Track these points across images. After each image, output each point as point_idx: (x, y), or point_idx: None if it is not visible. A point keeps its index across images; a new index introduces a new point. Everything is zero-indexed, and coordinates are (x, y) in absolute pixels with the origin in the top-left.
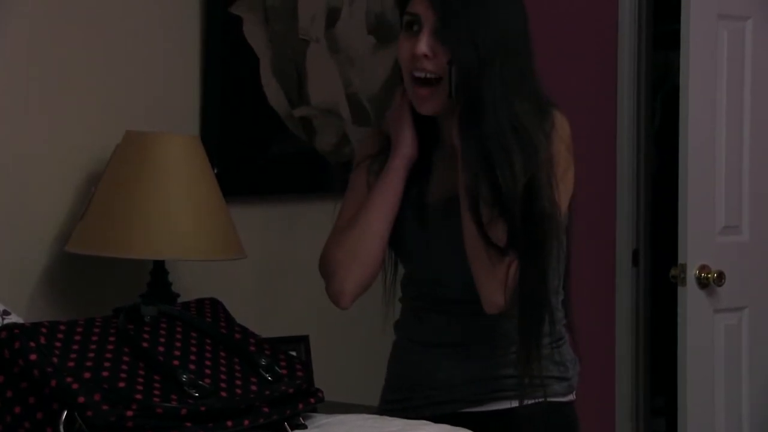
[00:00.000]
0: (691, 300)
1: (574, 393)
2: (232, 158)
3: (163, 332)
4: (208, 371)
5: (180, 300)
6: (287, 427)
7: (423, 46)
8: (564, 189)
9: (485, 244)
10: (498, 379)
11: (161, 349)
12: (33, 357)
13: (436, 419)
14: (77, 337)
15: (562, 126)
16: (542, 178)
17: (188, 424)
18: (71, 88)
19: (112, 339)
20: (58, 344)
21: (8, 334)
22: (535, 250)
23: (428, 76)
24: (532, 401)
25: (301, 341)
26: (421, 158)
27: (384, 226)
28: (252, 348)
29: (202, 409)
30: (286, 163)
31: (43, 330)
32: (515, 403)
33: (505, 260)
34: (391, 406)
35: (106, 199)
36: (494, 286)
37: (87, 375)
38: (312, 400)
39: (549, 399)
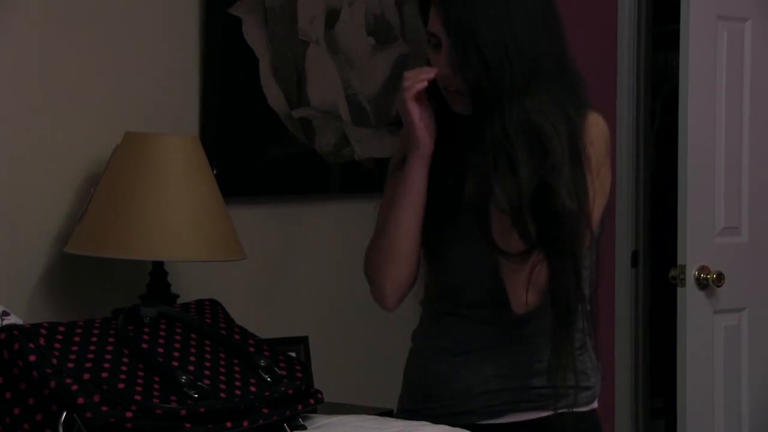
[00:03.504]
0: (690, 301)
1: (596, 400)
2: (232, 159)
3: (162, 333)
4: (207, 372)
5: (179, 301)
6: (286, 428)
7: (443, 68)
8: (596, 190)
9: (499, 254)
10: (517, 390)
11: (160, 350)
12: (32, 358)
13: None
14: (76, 339)
15: (592, 126)
16: (560, 178)
17: (187, 425)
18: (71, 89)
19: (111, 340)
20: (57, 345)
21: (7, 336)
22: (562, 250)
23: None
24: (554, 412)
25: (301, 342)
26: (453, 156)
27: (413, 224)
28: (251, 349)
29: (202, 410)
30: (286, 164)
31: (43, 331)
32: (534, 415)
33: (528, 262)
34: (409, 416)
35: (106, 199)
36: (519, 284)
37: (86, 376)
38: (311, 401)
39: (570, 409)
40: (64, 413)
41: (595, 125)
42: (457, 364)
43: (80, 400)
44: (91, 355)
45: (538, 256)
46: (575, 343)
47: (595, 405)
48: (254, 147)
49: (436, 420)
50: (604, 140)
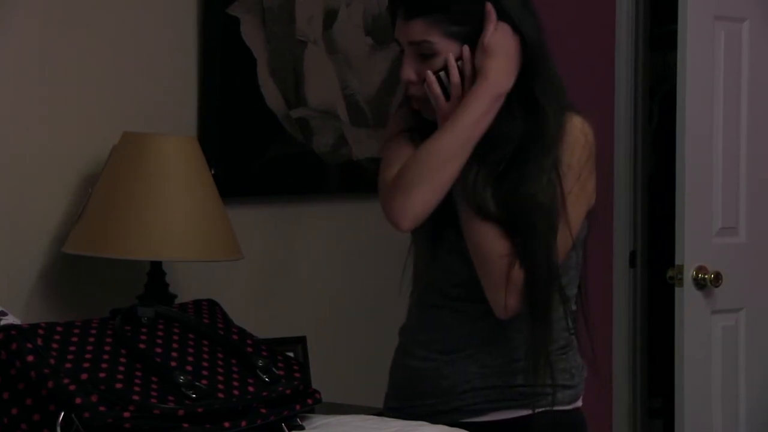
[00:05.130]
0: (688, 301)
1: (580, 399)
2: (230, 159)
3: (160, 333)
4: (205, 372)
5: (177, 301)
6: (284, 428)
7: (406, 71)
8: (577, 194)
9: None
10: (500, 388)
11: (158, 350)
12: (30, 358)
13: None
14: (74, 339)
15: (573, 129)
16: (528, 171)
17: (185, 425)
18: (69, 89)
19: (109, 340)
20: (55, 345)
21: (5, 336)
22: (531, 248)
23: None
24: (536, 411)
25: (299, 342)
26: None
27: (466, 155)
28: (249, 349)
29: (200, 410)
30: (284, 164)
31: (40, 331)
32: (516, 414)
33: (504, 259)
34: (394, 414)
35: (104, 200)
36: (496, 289)
37: (84, 376)
38: (309, 401)
39: (551, 408)
40: (62, 413)
41: (577, 128)
42: (442, 362)
43: (78, 400)
44: (88, 356)
45: (512, 256)
46: (552, 342)
47: (578, 404)
48: (252, 147)
49: (421, 418)
50: (586, 143)
